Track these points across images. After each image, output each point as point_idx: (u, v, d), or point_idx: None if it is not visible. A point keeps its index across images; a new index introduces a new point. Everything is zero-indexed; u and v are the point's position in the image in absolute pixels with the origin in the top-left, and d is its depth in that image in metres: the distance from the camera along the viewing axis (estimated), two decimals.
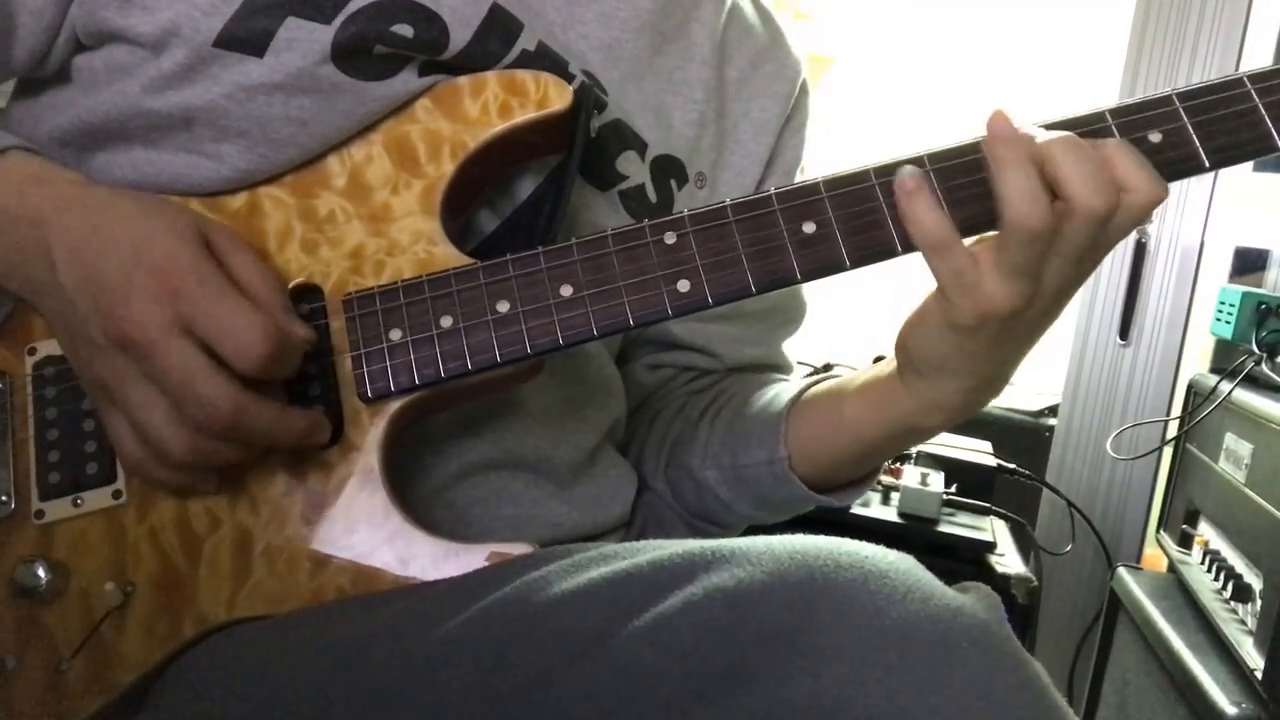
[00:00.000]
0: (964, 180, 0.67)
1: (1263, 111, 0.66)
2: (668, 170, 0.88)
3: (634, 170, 0.86)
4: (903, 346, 0.74)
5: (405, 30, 0.73)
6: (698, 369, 1.01)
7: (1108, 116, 0.67)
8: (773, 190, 0.69)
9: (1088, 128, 0.67)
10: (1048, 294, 0.67)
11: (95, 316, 0.64)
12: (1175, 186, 0.71)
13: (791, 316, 1.04)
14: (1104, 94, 2.35)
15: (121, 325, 0.63)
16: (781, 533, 0.59)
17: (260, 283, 0.67)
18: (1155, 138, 0.67)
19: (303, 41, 0.72)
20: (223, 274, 0.66)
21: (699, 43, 0.91)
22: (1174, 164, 0.67)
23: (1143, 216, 0.65)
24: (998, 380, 0.74)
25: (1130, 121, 0.67)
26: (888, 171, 0.68)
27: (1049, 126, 0.67)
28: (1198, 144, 0.67)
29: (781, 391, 0.90)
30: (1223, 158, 0.67)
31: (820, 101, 1.02)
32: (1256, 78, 0.67)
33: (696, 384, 1.00)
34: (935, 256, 0.67)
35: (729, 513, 0.92)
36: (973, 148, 0.68)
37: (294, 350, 0.67)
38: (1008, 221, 0.63)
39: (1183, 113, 0.67)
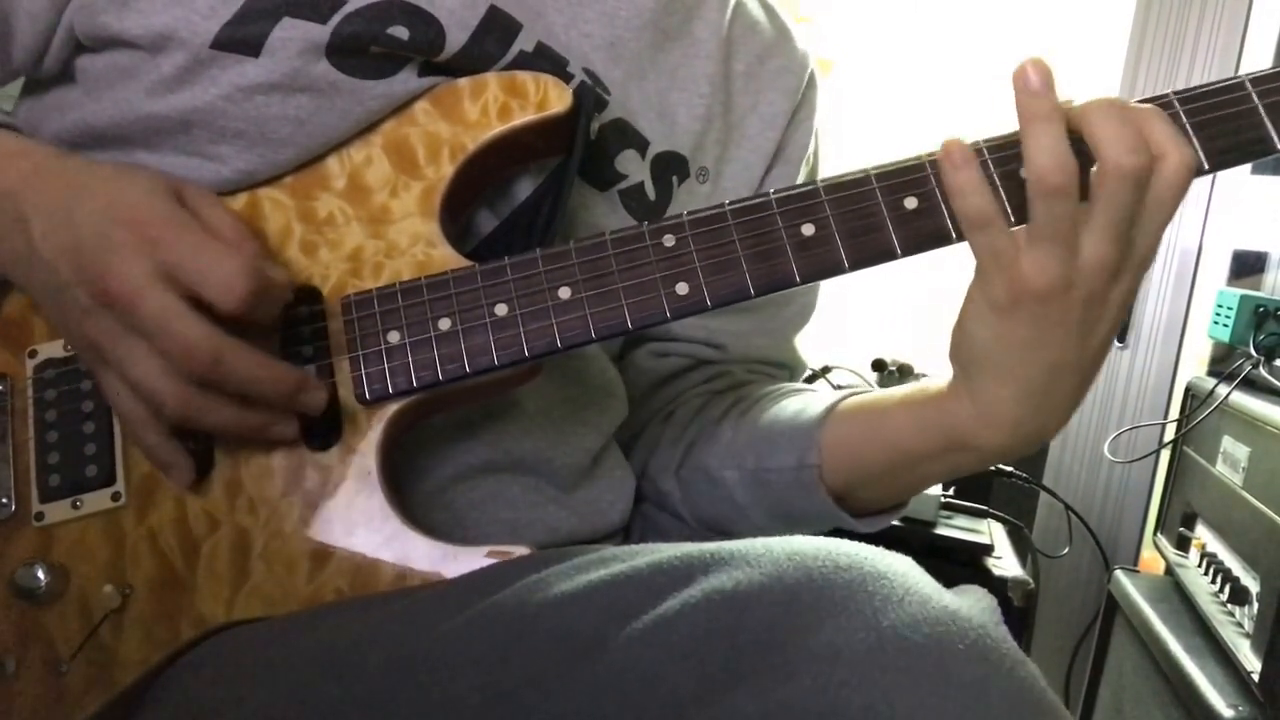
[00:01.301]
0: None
1: (1263, 113, 0.66)
2: (669, 167, 0.88)
3: (633, 169, 0.86)
4: (952, 346, 0.71)
5: (401, 32, 0.74)
6: (709, 360, 0.99)
7: None
8: (772, 193, 0.69)
9: None
10: (1087, 276, 0.64)
11: (77, 279, 0.65)
12: None
13: (803, 309, 1.02)
14: (1103, 94, 2.36)
15: (102, 281, 0.63)
16: (779, 535, 0.59)
17: (235, 230, 0.68)
18: None
19: (298, 40, 0.72)
20: (198, 222, 0.67)
21: (703, 39, 0.90)
22: None
23: (1179, 185, 0.63)
24: (1050, 396, 0.69)
25: None
26: (887, 175, 0.68)
27: None
28: (1197, 145, 0.66)
29: (815, 400, 0.87)
30: (1223, 159, 0.66)
31: (820, 104, 1.02)
32: (1257, 80, 0.66)
33: (716, 383, 0.99)
34: (977, 233, 0.65)
35: (743, 519, 0.89)
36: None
37: (275, 291, 0.67)
38: (1029, 177, 0.62)
39: (1182, 115, 0.66)
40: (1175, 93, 0.67)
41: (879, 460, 0.80)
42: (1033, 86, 0.62)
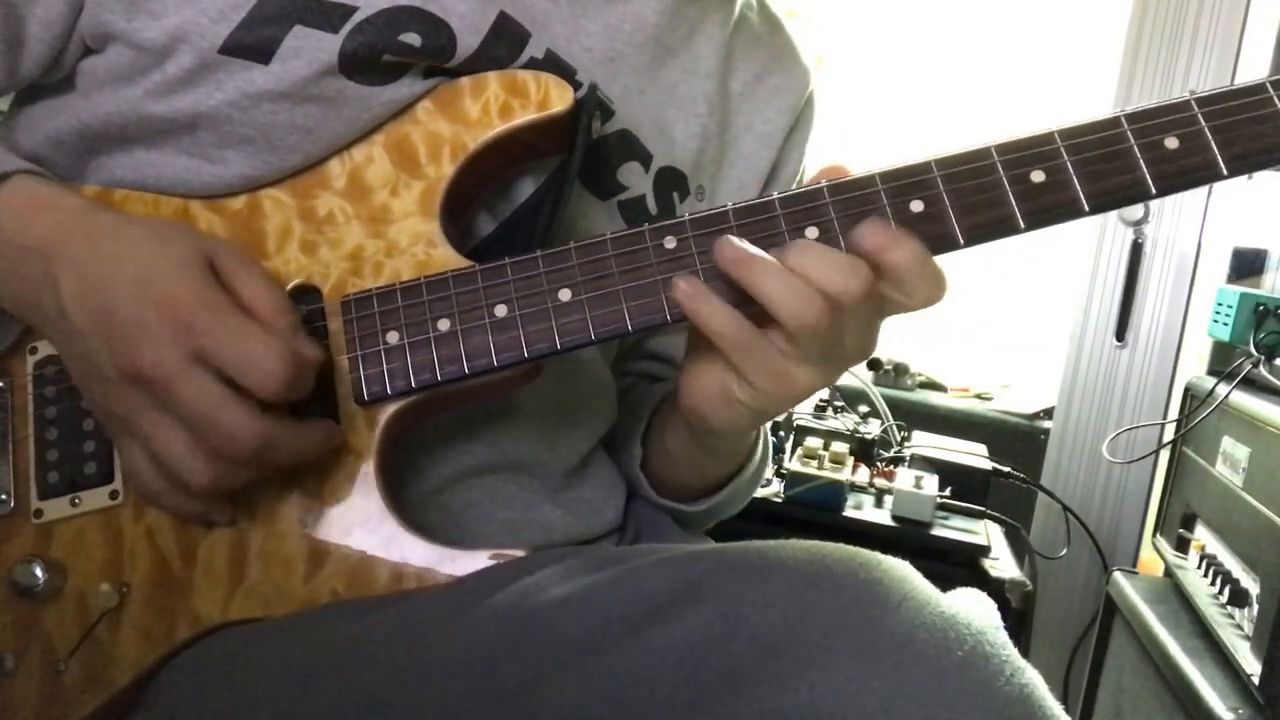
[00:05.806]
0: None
1: None
2: (672, 183, 0.88)
3: (636, 181, 0.85)
4: (697, 416, 0.74)
5: (413, 39, 0.73)
6: (655, 376, 1.02)
7: (1123, 121, 0.66)
8: (775, 195, 0.69)
9: (1103, 133, 0.66)
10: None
11: (107, 352, 0.63)
12: None
13: None
14: (1098, 95, 2.35)
15: (135, 362, 0.62)
16: (773, 537, 0.59)
17: (268, 303, 0.66)
18: (1172, 143, 0.65)
19: (309, 50, 0.72)
20: (231, 300, 0.65)
21: (703, 56, 0.90)
22: (1191, 171, 0.65)
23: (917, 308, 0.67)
24: (781, 404, 0.74)
25: (1146, 127, 0.66)
26: (893, 176, 0.68)
27: (1062, 131, 0.66)
28: (1215, 150, 0.65)
29: (660, 388, 0.93)
30: (1241, 164, 0.65)
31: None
32: (1278, 83, 0.65)
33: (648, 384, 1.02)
34: (740, 356, 0.67)
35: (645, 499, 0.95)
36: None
37: (310, 369, 0.66)
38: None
39: (1200, 117, 0.65)
40: (1194, 95, 0.66)
41: (659, 457, 0.90)
42: (728, 255, 0.66)
